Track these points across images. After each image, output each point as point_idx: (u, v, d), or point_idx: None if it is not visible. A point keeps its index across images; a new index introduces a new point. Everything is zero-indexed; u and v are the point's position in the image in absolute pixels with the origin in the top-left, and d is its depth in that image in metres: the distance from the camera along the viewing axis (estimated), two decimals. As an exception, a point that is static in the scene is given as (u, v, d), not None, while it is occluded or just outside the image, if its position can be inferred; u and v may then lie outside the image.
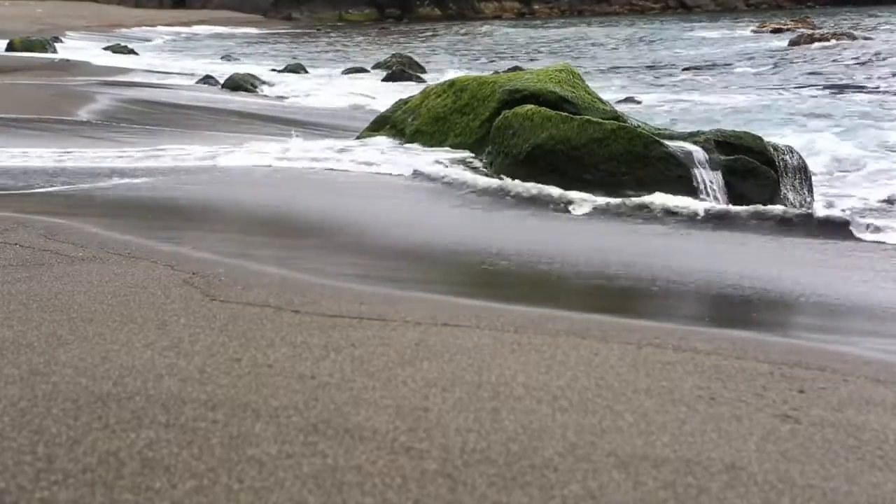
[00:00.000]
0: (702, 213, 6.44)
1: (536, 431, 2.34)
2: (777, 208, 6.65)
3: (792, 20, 36.05)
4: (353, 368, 2.76)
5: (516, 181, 7.19)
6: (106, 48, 28.26)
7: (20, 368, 2.64)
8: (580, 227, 6.12)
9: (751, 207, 6.61)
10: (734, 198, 7.40)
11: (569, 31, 43.52)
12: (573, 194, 6.85)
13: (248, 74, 18.84)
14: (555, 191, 6.91)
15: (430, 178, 7.44)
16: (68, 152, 7.89)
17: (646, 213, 6.45)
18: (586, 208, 6.62)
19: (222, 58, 26.51)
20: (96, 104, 11.95)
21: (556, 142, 7.50)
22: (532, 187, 7.02)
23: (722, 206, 6.83)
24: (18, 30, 32.34)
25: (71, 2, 56.01)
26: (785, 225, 6.23)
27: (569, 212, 6.56)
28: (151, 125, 10.56)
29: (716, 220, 6.34)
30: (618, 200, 6.68)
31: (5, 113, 10.33)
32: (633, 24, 47.32)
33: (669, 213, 6.46)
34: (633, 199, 6.69)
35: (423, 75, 21.38)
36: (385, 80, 20.02)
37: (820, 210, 7.21)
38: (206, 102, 13.48)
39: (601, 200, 6.69)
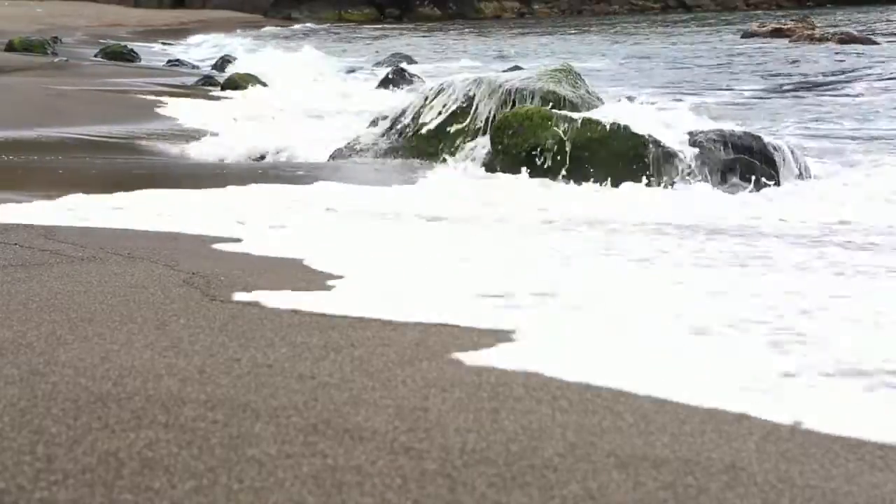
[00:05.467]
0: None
1: (536, 431, 2.34)
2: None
3: (791, 20, 36.01)
4: (352, 368, 2.75)
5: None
6: (105, 48, 28.19)
7: (20, 368, 2.64)
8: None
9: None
10: (734, 198, 7.39)
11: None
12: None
13: (248, 74, 18.86)
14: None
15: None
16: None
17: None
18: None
19: (222, 58, 26.48)
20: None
21: (556, 141, 7.50)
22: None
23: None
24: (18, 30, 32.30)
25: (71, 2, 55.95)
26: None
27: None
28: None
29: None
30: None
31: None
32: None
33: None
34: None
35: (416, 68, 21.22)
36: (379, 86, 19.49)
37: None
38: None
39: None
